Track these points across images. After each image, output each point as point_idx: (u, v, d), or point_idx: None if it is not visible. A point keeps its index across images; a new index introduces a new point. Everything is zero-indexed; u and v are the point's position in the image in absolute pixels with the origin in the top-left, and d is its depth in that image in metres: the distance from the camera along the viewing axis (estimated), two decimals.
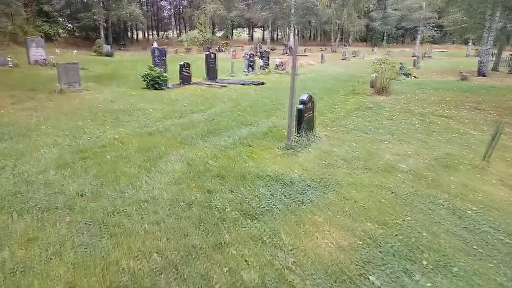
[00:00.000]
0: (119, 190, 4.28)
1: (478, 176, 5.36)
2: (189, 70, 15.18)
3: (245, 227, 3.58)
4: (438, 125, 8.68)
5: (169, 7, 66.92)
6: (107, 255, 3.04)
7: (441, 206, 4.29)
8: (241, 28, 77.14)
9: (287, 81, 17.44)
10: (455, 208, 4.24)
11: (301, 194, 4.45)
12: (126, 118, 8.32)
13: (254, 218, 3.77)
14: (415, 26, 51.05)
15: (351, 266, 3.07)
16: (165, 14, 73.54)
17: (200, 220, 3.64)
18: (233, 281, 2.80)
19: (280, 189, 4.54)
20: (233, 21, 56.81)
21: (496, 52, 27.63)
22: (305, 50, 46.08)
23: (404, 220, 3.88)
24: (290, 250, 3.25)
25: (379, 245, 3.38)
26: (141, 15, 44.25)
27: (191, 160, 5.53)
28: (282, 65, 22.01)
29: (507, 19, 19.28)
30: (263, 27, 68.09)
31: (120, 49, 41.41)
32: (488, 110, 10.68)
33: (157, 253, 3.09)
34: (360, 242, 3.40)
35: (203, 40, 43.19)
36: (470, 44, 47.34)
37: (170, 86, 13.90)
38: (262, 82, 16.17)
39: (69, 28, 47.05)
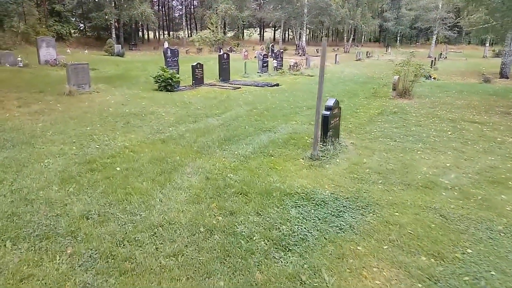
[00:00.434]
0: (130, 211, 3.74)
1: None
2: (202, 71, 14.68)
3: (278, 262, 3.01)
4: (471, 132, 8.01)
5: (180, 7, 66.72)
6: None
7: (502, 234, 3.66)
8: (252, 28, 76.59)
9: (303, 83, 16.98)
10: None
11: (337, 217, 3.87)
12: (138, 122, 7.82)
13: (287, 249, 3.20)
14: (430, 27, 49.87)
15: None
16: (176, 14, 73.35)
17: (224, 253, 3.08)
18: None
19: (312, 211, 3.96)
20: (244, 21, 56.15)
21: None
22: (317, 51, 45.35)
23: (465, 253, 3.27)
24: None
25: None
26: (152, 15, 43.94)
27: (209, 172, 4.99)
28: (297, 66, 21.39)
29: None
30: (274, 27, 67.44)
31: (131, 49, 41.16)
32: None
33: None
34: (420, 286, 2.80)
35: (214, 40, 42.73)
36: (488, 45, 45.99)
37: (182, 87, 13.42)
38: (277, 84, 15.61)
39: (80, 28, 47.00)
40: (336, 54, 32.39)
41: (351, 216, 3.89)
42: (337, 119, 6.75)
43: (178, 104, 10.15)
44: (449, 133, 7.97)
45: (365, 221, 3.80)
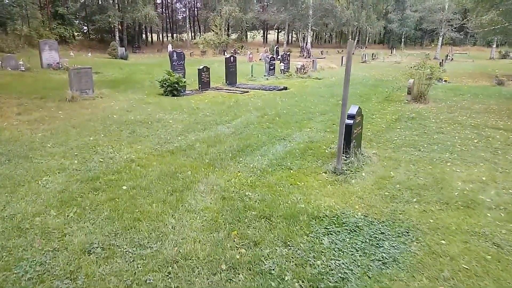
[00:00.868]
0: (139, 242, 3.23)
1: None
2: (208, 74, 14.21)
3: None
4: (498, 140, 7.48)
5: (183, 9, 66.35)
6: None
7: None
8: (255, 31, 76.19)
9: (312, 86, 16.46)
10: None
11: (376, 246, 3.36)
12: (144, 131, 7.34)
13: None
14: (436, 28, 49.24)
15: None
16: (180, 17, 73.05)
17: None
18: None
19: (347, 239, 3.45)
20: (248, 23, 55.70)
21: None
22: (322, 53, 44.86)
23: None
24: None
25: None
26: (156, 17, 43.57)
27: (224, 191, 4.49)
28: (304, 69, 20.88)
29: None
30: (278, 29, 66.97)
31: (135, 52, 40.79)
32: None
33: None
34: None
35: (218, 42, 42.31)
36: (494, 46, 45.27)
37: (188, 92, 12.95)
38: (285, 87, 15.14)
39: (84, 31, 46.71)
40: (342, 57, 31.86)
41: (393, 246, 3.38)
42: (360, 128, 6.25)
43: (186, 110, 9.67)
44: (475, 141, 7.44)
45: (410, 252, 3.29)
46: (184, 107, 10.00)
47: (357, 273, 2.95)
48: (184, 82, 12.50)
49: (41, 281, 2.65)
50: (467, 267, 3.10)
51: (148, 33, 60.39)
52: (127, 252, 3.06)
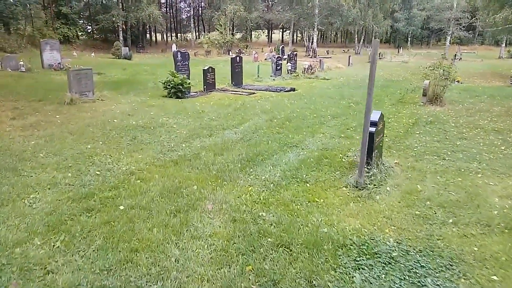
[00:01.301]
0: (136, 283, 2.70)
1: None
2: (214, 75, 13.71)
3: None
4: None
5: (188, 8, 65.90)
6: None
7: None
8: (260, 30, 75.62)
9: (320, 87, 15.87)
10: None
11: (418, 284, 2.82)
12: (146, 138, 6.83)
13: None
14: (443, 27, 48.46)
15: None
16: (184, 16, 72.60)
17: None
18: None
19: (382, 275, 2.92)
20: (252, 23, 55.14)
21: None
22: (327, 52, 44.22)
23: None
24: None
25: None
26: (160, 16, 43.14)
27: (235, 210, 3.96)
28: (311, 69, 20.32)
29: None
30: (283, 29, 66.32)
31: (138, 52, 40.36)
32: None
33: None
34: None
35: (223, 42, 41.80)
36: (503, 45, 44.39)
37: (193, 93, 12.44)
38: (293, 88, 14.62)
39: (88, 31, 46.39)
40: (349, 56, 31.23)
41: (437, 284, 2.84)
42: (382, 135, 5.70)
43: (190, 113, 9.15)
44: (502, 148, 6.88)
45: None
46: (189, 110, 9.49)
47: None
48: (189, 83, 11.99)
49: None
50: None
51: (152, 33, 60.01)
52: None
